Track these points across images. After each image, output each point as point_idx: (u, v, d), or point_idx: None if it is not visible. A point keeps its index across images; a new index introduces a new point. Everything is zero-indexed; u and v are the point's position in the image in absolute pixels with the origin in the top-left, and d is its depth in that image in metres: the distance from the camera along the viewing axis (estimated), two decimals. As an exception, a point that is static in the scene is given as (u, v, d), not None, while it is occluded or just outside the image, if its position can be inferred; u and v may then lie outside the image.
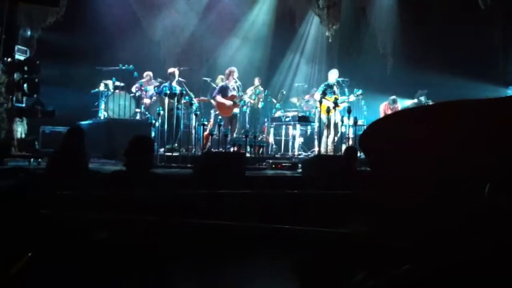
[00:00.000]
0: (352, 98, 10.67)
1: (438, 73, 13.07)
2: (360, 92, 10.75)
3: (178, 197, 3.87)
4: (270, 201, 4.37)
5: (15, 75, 8.78)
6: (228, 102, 10.64)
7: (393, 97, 12.13)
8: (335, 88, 10.74)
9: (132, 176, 3.95)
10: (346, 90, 10.97)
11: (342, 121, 9.90)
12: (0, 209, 3.26)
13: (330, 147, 10.30)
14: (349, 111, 9.41)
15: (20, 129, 8.93)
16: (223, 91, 10.74)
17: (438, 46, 14.00)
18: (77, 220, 2.99)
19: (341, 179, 5.91)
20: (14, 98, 8.74)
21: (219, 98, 10.68)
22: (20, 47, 9.11)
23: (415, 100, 12.67)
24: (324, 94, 10.47)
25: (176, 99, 9.84)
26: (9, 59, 8.72)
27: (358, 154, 6.58)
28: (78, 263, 2.89)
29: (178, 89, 10.30)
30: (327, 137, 10.36)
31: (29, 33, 10.52)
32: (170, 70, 10.86)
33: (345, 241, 2.83)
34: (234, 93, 10.74)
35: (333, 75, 10.87)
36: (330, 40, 13.69)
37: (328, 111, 10.10)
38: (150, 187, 3.91)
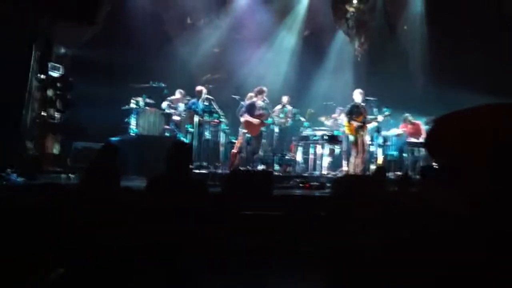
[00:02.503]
0: (380, 118, 10.59)
1: (470, 93, 12.87)
2: (387, 112, 10.66)
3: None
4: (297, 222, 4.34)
5: (48, 92, 8.96)
6: (256, 121, 10.66)
7: (404, 115, 12.03)
8: (361, 109, 10.69)
9: (171, 181, 3.95)
10: (374, 109, 10.90)
11: (371, 141, 9.82)
12: (33, 224, 3.30)
13: (359, 167, 10.22)
14: (378, 130, 9.35)
15: (52, 145, 9.09)
16: (251, 109, 10.76)
17: (470, 65, 13.80)
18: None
19: (370, 199, 5.84)
20: (47, 114, 8.91)
21: (247, 116, 10.71)
22: (53, 64, 9.31)
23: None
24: (351, 114, 10.43)
25: (204, 116, 9.92)
26: (43, 76, 8.91)
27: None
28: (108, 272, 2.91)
29: (207, 106, 10.37)
30: (355, 157, 10.29)
31: (63, 50, 10.75)
32: (198, 88, 10.96)
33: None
34: (262, 111, 10.76)
35: (358, 95, 10.81)
36: (358, 59, 13.66)
37: (356, 131, 10.05)
38: (189, 192, 3.90)
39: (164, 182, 3.96)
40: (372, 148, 10.15)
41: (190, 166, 4.58)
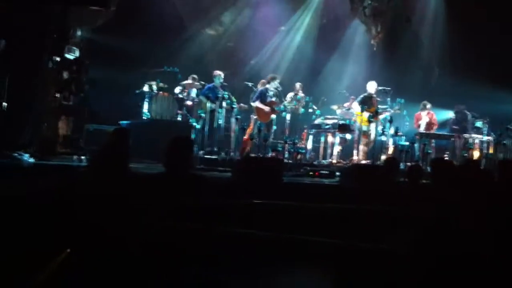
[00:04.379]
0: (390, 112, 10.57)
1: (484, 86, 12.75)
2: (397, 107, 10.64)
3: (218, 204, 3.90)
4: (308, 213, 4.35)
5: (64, 74, 9.02)
6: (267, 108, 10.66)
7: (423, 102, 11.89)
8: (374, 100, 10.66)
9: (171, 177, 3.99)
10: (388, 99, 10.85)
11: (382, 132, 9.79)
12: (44, 206, 3.34)
13: (363, 155, 10.23)
14: (390, 120, 9.32)
15: (65, 127, 9.17)
16: (262, 96, 10.75)
17: (486, 58, 13.64)
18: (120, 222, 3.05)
19: (381, 190, 5.84)
20: (62, 97, 8.98)
21: (258, 103, 10.71)
22: (70, 47, 9.35)
23: (452, 114, 12.45)
24: (363, 104, 10.42)
25: (218, 102, 9.93)
26: (58, 58, 8.97)
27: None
28: (116, 264, 2.95)
29: (221, 91, 10.39)
30: (364, 145, 10.29)
31: (79, 33, 10.79)
32: (216, 72, 10.98)
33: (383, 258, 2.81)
34: (274, 99, 10.75)
35: (372, 86, 10.77)
36: (374, 49, 13.57)
37: (368, 121, 10.02)
38: (190, 189, 3.94)
39: (165, 178, 3.99)
40: (383, 138, 10.10)
41: (192, 161, 4.57)
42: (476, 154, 10.69)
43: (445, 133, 11.75)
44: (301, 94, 12.04)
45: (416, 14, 14.80)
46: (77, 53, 9.55)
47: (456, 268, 2.64)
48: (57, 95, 8.90)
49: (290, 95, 11.85)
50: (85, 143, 9.43)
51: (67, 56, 9.13)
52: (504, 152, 9.37)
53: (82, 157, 7.64)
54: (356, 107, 10.69)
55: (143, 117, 11.16)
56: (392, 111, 10.56)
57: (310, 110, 11.46)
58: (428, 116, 11.67)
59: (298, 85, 12.19)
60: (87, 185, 3.70)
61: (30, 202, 3.45)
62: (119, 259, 2.87)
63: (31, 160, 6.93)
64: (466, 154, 10.34)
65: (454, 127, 12.04)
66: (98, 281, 2.82)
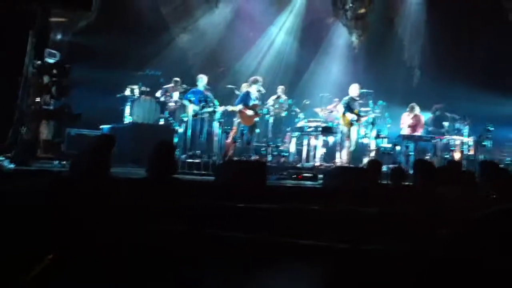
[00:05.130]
0: (372, 115, 10.64)
1: (465, 87, 12.93)
2: (378, 110, 10.71)
3: (199, 207, 3.89)
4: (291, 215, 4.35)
5: (45, 78, 8.90)
6: (250, 112, 10.65)
7: (412, 104, 11.98)
8: (357, 102, 10.74)
9: (154, 182, 3.98)
10: (370, 101, 10.92)
11: (365, 135, 9.86)
12: (26, 211, 3.30)
13: (346, 158, 10.28)
14: (372, 123, 9.39)
15: (46, 131, 9.05)
16: (245, 99, 10.73)
17: (467, 60, 13.83)
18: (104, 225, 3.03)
19: (364, 192, 5.87)
20: (42, 101, 8.87)
21: (241, 107, 10.70)
22: (50, 50, 9.25)
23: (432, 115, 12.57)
24: (346, 106, 10.48)
25: (200, 105, 9.91)
26: (39, 62, 8.86)
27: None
28: (102, 267, 2.92)
29: (204, 95, 10.37)
30: (348, 148, 10.35)
31: (59, 36, 10.69)
32: (200, 75, 10.95)
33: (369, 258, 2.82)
34: (257, 102, 10.75)
35: (354, 90, 10.85)
36: (356, 51, 13.66)
37: (351, 124, 10.07)
38: (171, 193, 3.93)
39: (148, 183, 3.99)
40: (366, 141, 10.16)
41: (175, 165, 4.57)
42: (457, 156, 10.82)
43: (427, 135, 11.87)
44: (283, 97, 12.07)
45: (397, 16, 14.95)
46: (57, 57, 9.45)
47: (438, 269, 2.66)
48: (38, 99, 8.78)
49: (272, 98, 11.86)
50: (66, 147, 9.34)
51: (48, 59, 9.02)
52: (484, 153, 9.48)
53: (64, 162, 7.56)
54: (340, 109, 10.75)
55: (125, 121, 11.09)
56: (373, 114, 10.64)
57: (293, 113, 11.50)
58: (415, 119, 11.74)
59: (280, 88, 12.21)
60: (69, 190, 3.67)
61: (11, 205, 3.41)
62: (103, 262, 2.85)
63: (11, 165, 6.83)
64: (447, 156, 10.45)
65: (430, 128, 12.16)
66: (81, 284, 2.79)
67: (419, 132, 11.55)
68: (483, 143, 9.36)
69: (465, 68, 13.76)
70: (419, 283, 2.65)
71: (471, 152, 10.67)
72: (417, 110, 11.80)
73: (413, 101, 12.20)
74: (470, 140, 10.99)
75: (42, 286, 2.73)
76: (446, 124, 11.94)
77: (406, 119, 11.80)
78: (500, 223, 2.88)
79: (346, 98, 10.78)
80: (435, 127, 12.08)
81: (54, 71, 8.97)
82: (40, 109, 8.84)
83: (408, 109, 11.89)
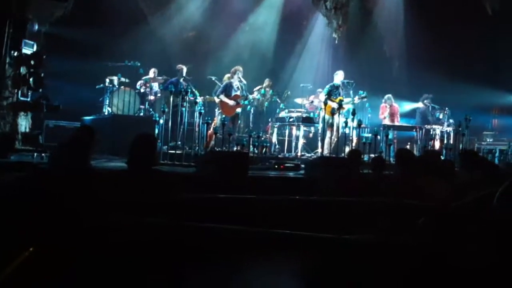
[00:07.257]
0: (356, 100, 10.70)
1: (444, 78, 13.07)
2: (364, 94, 10.79)
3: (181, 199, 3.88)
4: (274, 206, 4.35)
5: (22, 69, 8.76)
6: (231, 102, 10.61)
7: (388, 95, 12.15)
8: (340, 90, 10.78)
9: (134, 173, 3.95)
10: (351, 92, 10.96)
11: (346, 123, 9.89)
12: (4, 203, 3.25)
13: (329, 147, 10.30)
14: (353, 113, 9.42)
15: (24, 123, 8.93)
16: (227, 90, 10.69)
17: (445, 50, 13.96)
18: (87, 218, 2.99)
19: (345, 181, 5.89)
20: (20, 92, 8.73)
21: (222, 97, 10.65)
22: (27, 41, 9.10)
23: (420, 104, 12.69)
24: (329, 95, 10.53)
25: (181, 96, 9.83)
26: (16, 53, 8.72)
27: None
28: (84, 262, 2.89)
29: (184, 85, 10.30)
30: (330, 138, 10.36)
31: (36, 27, 10.49)
32: (179, 66, 10.89)
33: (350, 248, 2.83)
34: (238, 92, 10.71)
35: (339, 77, 10.90)
36: (336, 42, 13.68)
37: (333, 112, 10.09)
38: (153, 185, 3.90)
39: (129, 175, 3.96)
40: (347, 130, 10.20)
41: (156, 157, 4.55)
42: (437, 145, 10.94)
43: (407, 125, 12.03)
44: (267, 89, 12.07)
45: (376, 7, 15.00)
46: (34, 47, 9.30)
47: (417, 258, 2.68)
48: (15, 90, 8.64)
49: (255, 89, 11.85)
50: (45, 139, 9.22)
51: (25, 50, 8.87)
52: (463, 142, 9.59)
53: (43, 154, 7.46)
54: (322, 97, 10.77)
55: (105, 112, 10.98)
56: (358, 98, 10.71)
57: (274, 103, 11.51)
58: (391, 109, 11.92)
59: (267, 80, 12.23)
60: (47, 182, 3.62)
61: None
62: (84, 256, 2.81)
63: (-11, 158, 6.73)
64: (427, 145, 10.55)
65: (420, 119, 12.40)
66: (62, 279, 2.76)
67: (397, 121, 11.78)
68: (463, 132, 9.47)
69: (444, 59, 13.90)
70: (400, 272, 2.66)
71: (451, 141, 10.81)
72: (392, 100, 11.99)
73: (393, 92, 12.33)
74: (450, 129, 11.15)
75: (21, 280, 2.68)
76: (433, 113, 12.15)
77: (384, 109, 11.96)
78: (476, 211, 2.91)
79: (328, 86, 10.83)
80: (425, 117, 12.27)
81: (32, 62, 8.84)
82: (18, 100, 8.71)
83: (384, 99, 12.07)
